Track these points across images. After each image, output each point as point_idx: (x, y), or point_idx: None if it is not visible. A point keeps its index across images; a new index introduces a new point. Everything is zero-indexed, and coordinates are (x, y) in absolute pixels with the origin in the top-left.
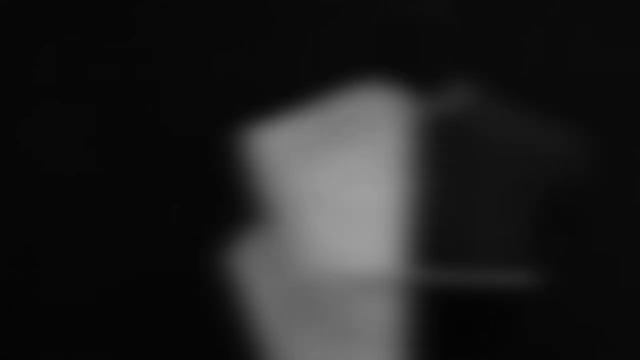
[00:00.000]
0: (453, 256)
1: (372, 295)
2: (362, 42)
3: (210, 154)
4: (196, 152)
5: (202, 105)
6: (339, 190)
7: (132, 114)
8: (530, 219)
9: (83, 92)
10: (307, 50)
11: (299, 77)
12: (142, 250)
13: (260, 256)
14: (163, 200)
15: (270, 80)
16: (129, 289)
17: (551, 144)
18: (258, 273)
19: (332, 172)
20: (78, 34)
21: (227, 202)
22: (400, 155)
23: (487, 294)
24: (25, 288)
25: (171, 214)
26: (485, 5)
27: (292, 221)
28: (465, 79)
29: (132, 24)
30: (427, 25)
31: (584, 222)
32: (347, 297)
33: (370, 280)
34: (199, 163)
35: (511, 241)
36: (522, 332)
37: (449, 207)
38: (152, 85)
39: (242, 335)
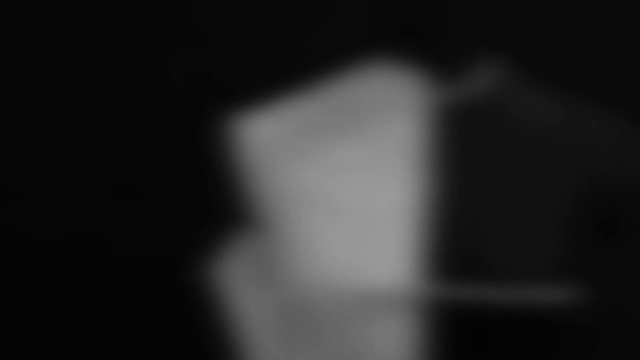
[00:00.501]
0: (478, 268)
1: (383, 315)
2: (376, 15)
3: (198, 148)
4: (183, 146)
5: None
6: (344, 189)
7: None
8: (567, 223)
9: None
10: (312, 22)
11: (302, 56)
12: (121, 257)
13: (250, 267)
14: (147, 202)
15: (269, 61)
16: (108, 299)
17: (593, 136)
18: (248, 287)
19: (336, 167)
20: None
21: (214, 203)
22: (416, 148)
23: (517, 313)
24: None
25: (155, 217)
26: None
27: (288, 225)
28: (491, 59)
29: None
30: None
31: (629, 228)
32: (353, 316)
33: (381, 297)
34: (185, 158)
35: (544, 250)
36: (555, 356)
37: (472, 209)
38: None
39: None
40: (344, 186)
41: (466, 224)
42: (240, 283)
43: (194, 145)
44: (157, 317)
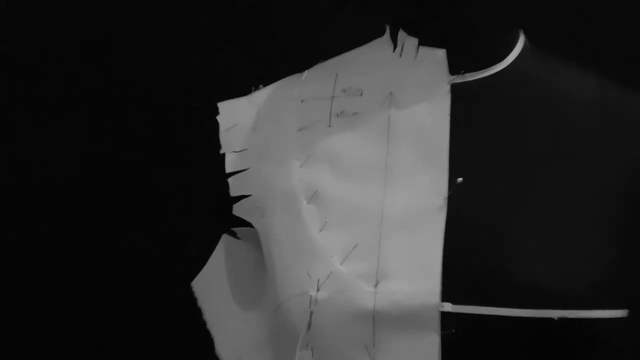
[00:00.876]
0: (506, 285)
1: (396, 338)
2: None
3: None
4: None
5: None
6: (348, 185)
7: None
8: (611, 226)
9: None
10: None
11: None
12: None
13: (237, 276)
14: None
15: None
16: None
17: (634, 121)
18: (231, 298)
19: (339, 159)
20: None
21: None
22: (430, 134)
23: (556, 332)
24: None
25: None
26: None
27: (283, 230)
28: (514, 27)
29: None
30: None
31: None
32: (360, 338)
33: (392, 318)
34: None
35: (587, 262)
36: None
37: (503, 213)
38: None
39: None
40: (347, 180)
41: (495, 231)
42: (223, 295)
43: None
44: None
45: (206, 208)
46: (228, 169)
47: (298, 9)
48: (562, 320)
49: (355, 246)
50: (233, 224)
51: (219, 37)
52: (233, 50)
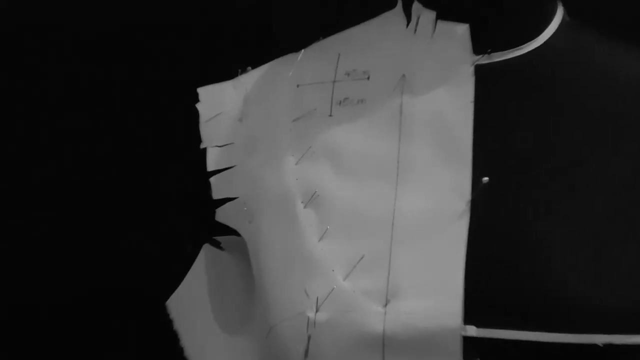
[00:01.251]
0: (541, 305)
1: None
2: None
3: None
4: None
5: None
6: (352, 185)
7: None
8: None
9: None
10: None
11: None
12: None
13: (220, 294)
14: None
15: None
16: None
17: None
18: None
19: (341, 155)
20: None
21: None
22: (450, 125)
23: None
24: None
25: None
26: None
27: (275, 238)
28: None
29: None
30: None
31: None
32: None
33: (405, 343)
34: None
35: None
36: None
37: (534, 216)
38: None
39: None
40: (355, 180)
41: (528, 240)
42: (204, 312)
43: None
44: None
45: (206, 208)
46: (210, 167)
47: (298, 9)
48: (608, 347)
49: (362, 258)
50: (220, 231)
51: (219, 37)
52: (233, 51)
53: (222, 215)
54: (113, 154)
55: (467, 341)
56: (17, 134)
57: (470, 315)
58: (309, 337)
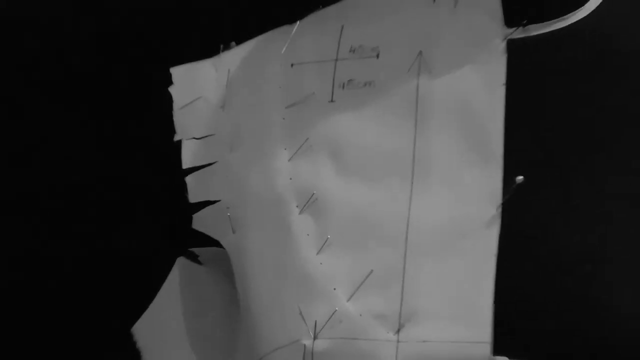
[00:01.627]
0: (588, 335)
1: None
2: None
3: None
4: None
5: None
6: (358, 186)
7: None
8: None
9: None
10: None
11: None
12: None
13: (197, 317)
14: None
15: None
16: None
17: None
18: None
19: (345, 149)
20: None
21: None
22: (477, 112)
23: None
24: None
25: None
26: None
27: (264, 250)
28: None
29: None
30: None
31: None
32: None
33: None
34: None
35: None
36: None
37: (579, 224)
38: None
39: None
40: (366, 188)
41: (571, 254)
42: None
43: None
44: None
45: (184, 213)
46: (186, 164)
47: (298, 9)
48: None
49: (370, 274)
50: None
51: (219, 38)
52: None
53: (200, 222)
54: (113, 154)
55: None
56: (17, 134)
57: (502, 343)
58: None
